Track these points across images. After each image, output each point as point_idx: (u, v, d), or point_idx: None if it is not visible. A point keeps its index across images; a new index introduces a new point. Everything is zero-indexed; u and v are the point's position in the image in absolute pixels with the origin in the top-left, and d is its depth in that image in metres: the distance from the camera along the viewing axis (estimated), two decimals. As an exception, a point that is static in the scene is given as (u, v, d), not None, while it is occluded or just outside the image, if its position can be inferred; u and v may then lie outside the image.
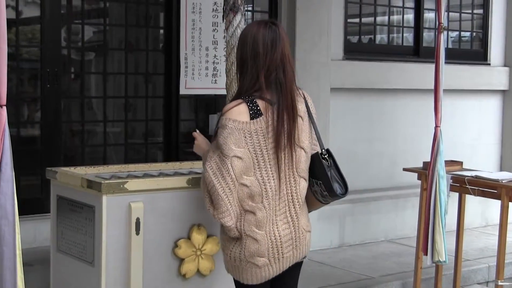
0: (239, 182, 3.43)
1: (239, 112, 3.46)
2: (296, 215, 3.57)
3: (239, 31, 4.28)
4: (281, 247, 3.52)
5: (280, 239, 3.52)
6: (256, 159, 3.45)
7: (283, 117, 3.47)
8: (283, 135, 3.47)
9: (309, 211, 3.74)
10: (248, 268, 3.52)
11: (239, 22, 4.28)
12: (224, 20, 4.32)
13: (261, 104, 3.47)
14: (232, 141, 3.42)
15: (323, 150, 3.64)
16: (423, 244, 5.31)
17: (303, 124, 3.57)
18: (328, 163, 3.61)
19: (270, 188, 3.48)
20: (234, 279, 3.66)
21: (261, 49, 3.49)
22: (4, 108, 2.97)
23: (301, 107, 3.58)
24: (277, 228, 3.51)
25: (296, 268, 3.70)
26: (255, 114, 3.45)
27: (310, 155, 3.62)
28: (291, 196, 3.55)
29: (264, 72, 3.48)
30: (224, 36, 4.64)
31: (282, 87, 3.49)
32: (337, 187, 3.59)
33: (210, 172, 3.45)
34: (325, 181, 3.57)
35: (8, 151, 3.00)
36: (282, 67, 3.50)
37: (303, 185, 3.60)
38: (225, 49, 4.34)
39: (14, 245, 3.04)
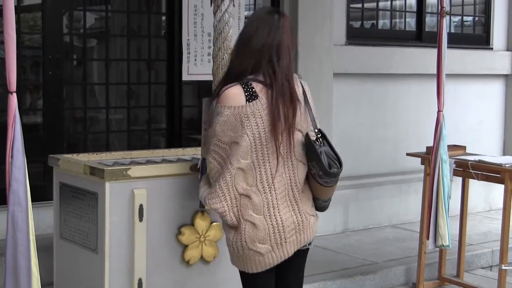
0: (237, 166, 3.42)
1: (234, 95, 3.44)
2: (296, 199, 3.54)
3: (226, 16, 4.25)
4: (284, 232, 3.48)
5: (282, 223, 3.48)
6: (254, 142, 3.43)
7: (277, 101, 3.45)
8: (280, 119, 3.45)
9: (323, 201, 3.69)
10: (251, 257, 3.48)
11: (227, 7, 4.25)
12: (212, 4, 4.29)
13: (256, 86, 3.46)
14: (229, 127, 3.42)
15: (315, 130, 3.60)
16: (426, 228, 5.32)
17: (300, 108, 3.55)
18: (319, 143, 3.56)
19: (265, 171, 3.46)
20: (239, 270, 3.63)
21: (258, 34, 3.50)
22: (14, 94, 2.96)
23: (298, 91, 3.56)
24: (278, 212, 3.48)
25: (302, 255, 3.66)
26: (251, 96, 3.44)
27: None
28: (289, 180, 3.52)
29: (256, 56, 3.49)
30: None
31: (275, 73, 3.46)
32: (331, 164, 3.52)
33: (216, 163, 3.47)
34: (318, 160, 3.49)
35: (20, 137, 3.00)
36: (277, 54, 3.49)
37: (302, 168, 3.56)
38: (213, 33, 4.32)
39: (27, 231, 3.06)
